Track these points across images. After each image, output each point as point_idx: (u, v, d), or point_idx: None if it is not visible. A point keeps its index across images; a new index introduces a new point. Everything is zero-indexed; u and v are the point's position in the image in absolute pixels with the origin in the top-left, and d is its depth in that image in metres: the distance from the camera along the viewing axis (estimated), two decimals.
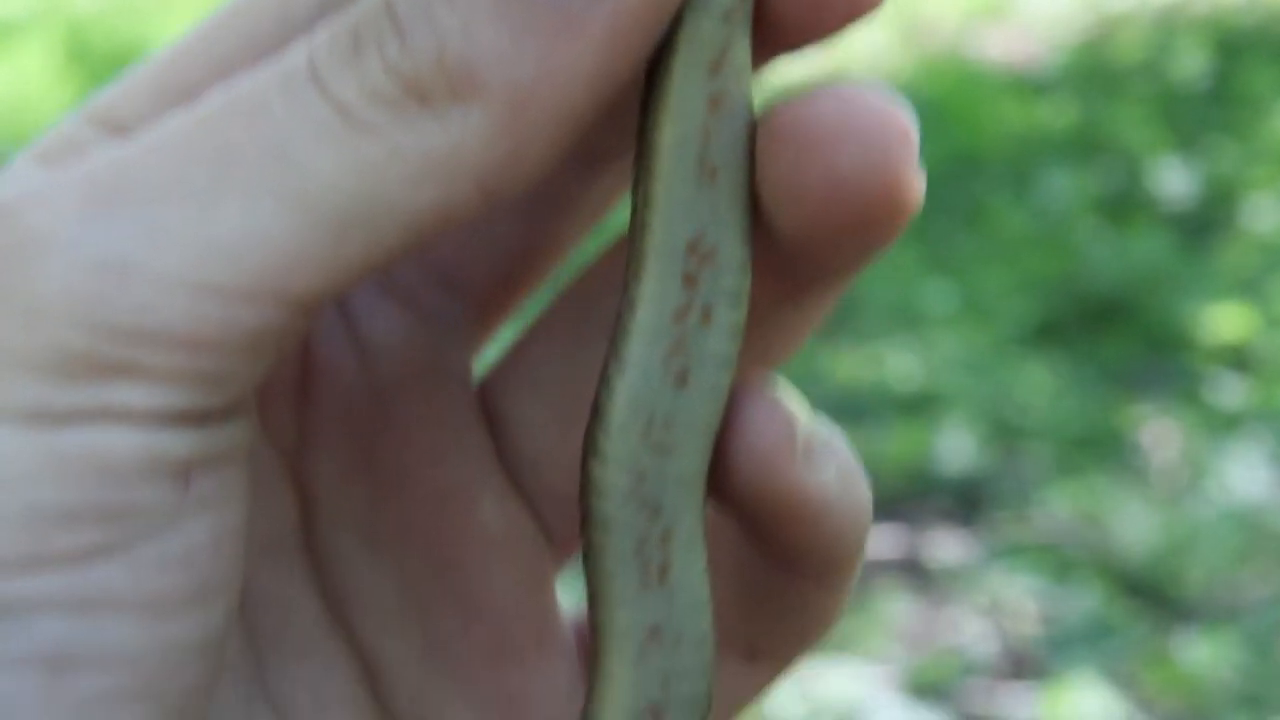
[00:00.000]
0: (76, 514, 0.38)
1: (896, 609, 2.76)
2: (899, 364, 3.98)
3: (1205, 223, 4.53)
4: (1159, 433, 3.53)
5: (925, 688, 2.51)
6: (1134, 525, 3.04)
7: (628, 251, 0.41)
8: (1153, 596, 2.82)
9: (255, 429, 0.42)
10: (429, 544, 0.47)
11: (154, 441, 0.38)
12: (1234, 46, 5.27)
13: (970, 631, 2.74)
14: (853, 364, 3.99)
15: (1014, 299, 4.41)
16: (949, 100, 5.36)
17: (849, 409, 3.71)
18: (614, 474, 0.40)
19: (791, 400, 0.44)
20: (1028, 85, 5.45)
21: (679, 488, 0.41)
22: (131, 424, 0.38)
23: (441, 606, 0.47)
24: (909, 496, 3.30)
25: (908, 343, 4.18)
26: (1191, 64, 5.26)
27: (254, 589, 0.46)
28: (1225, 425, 3.60)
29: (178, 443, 0.39)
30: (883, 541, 3.09)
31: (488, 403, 0.49)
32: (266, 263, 0.38)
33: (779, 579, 0.46)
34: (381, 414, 0.47)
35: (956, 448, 3.46)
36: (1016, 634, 2.72)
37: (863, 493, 0.46)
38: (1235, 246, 4.40)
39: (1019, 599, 2.81)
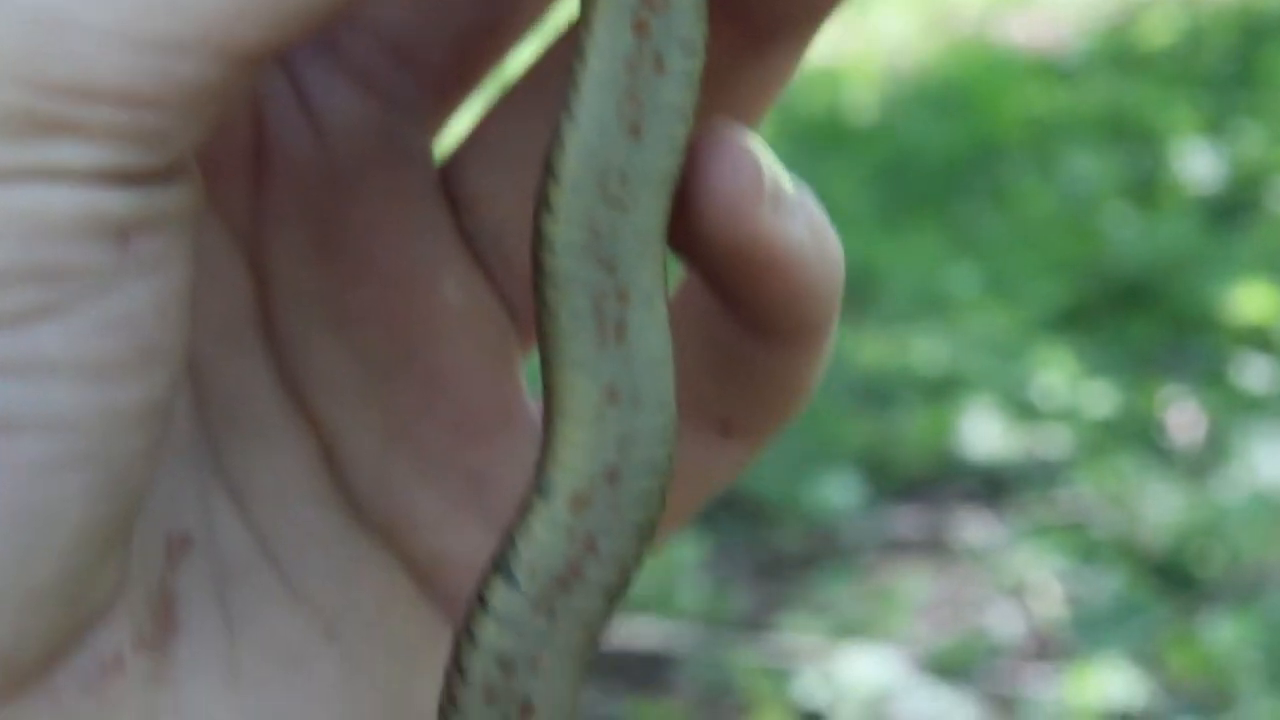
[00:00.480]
0: (13, 274, 0.37)
1: (921, 591, 2.76)
2: (924, 347, 3.98)
3: (1231, 205, 4.52)
4: (1185, 415, 3.52)
5: (950, 669, 2.51)
6: (1159, 507, 3.03)
7: (579, 3, 0.40)
8: (1178, 578, 2.81)
9: (199, 194, 0.41)
10: (390, 324, 0.46)
11: (92, 200, 0.38)
12: (1260, 29, 5.25)
13: (995, 613, 2.74)
14: (877, 347, 3.99)
15: (1039, 282, 4.41)
16: (975, 85, 5.35)
17: (873, 392, 3.71)
18: (567, 228, 0.39)
19: (760, 149, 0.43)
20: (1054, 69, 5.44)
21: (636, 243, 0.39)
22: (69, 182, 0.37)
23: (404, 387, 0.46)
24: (934, 479, 3.30)
25: (932, 326, 4.17)
26: (1218, 47, 5.25)
27: (210, 373, 0.45)
28: (1251, 407, 3.60)
29: (116, 202, 0.38)
30: (907, 523, 3.09)
31: (449, 182, 0.48)
32: (204, 14, 0.37)
33: (751, 345, 0.45)
34: (339, 193, 0.46)
35: (981, 430, 3.46)
36: (1042, 615, 2.72)
37: (834, 248, 0.44)
38: (1262, 229, 4.39)
39: (1044, 580, 2.81)
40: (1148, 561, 2.85)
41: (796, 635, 2.59)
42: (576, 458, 0.39)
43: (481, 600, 0.39)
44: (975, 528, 3.04)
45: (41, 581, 0.37)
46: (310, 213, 0.46)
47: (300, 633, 0.44)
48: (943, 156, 5.21)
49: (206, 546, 0.43)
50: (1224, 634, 2.53)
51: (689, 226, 0.42)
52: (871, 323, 4.27)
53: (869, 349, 3.98)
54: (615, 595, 0.39)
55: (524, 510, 0.39)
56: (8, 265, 0.37)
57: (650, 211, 0.39)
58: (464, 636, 0.39)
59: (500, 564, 0.39)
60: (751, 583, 2.87)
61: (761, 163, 0.42)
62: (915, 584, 2.78)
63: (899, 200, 5.33)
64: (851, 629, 2.60)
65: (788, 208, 0.43)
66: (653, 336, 0.39)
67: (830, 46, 5.48)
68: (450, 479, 0.46)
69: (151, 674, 0.40)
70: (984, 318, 4.22)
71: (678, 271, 0.44)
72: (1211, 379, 3.73)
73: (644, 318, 0.39)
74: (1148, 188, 4.72)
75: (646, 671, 2.53)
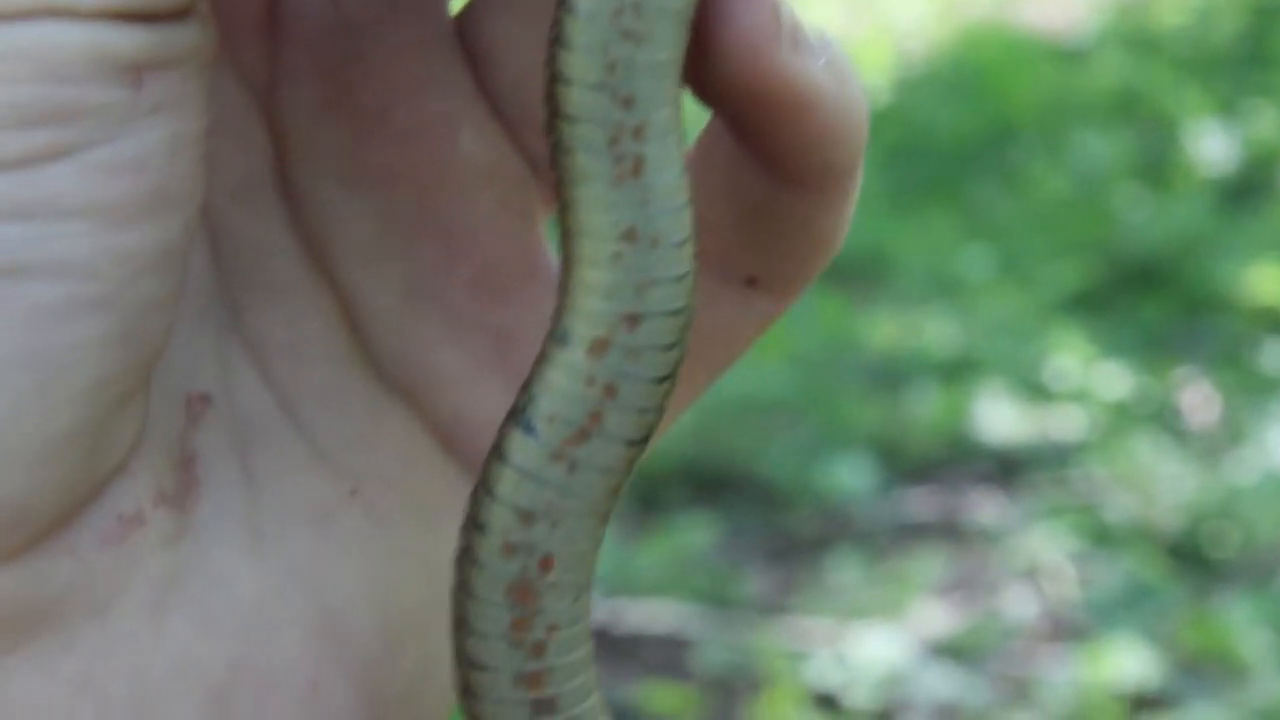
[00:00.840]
0: (24, 114, 0.37)
1: (935, 573, 2.76)
2: (936, 329, 3.97)
3: (1244, 186, 4.51)
4: (1198, 396, 3.52)
5: (964, 651, 2.51)
6: (1173, 488, 3.03)
7: None
8: (1191, 559, 2.81)
9: (211, 38, 0.40)
10: (409, 180, 0.46)
11: (103, 38, 0.37)
12: (1272, 10, 5.24)
13: (1009, 595, 2.74)
14: (890, 330, 3.99)
15: (1052, 264, 4.40)
16: (987, 67, 5.34)
17: (886, 375, 3.71)
18: (582, 61, 0.38)
19: None
20: (1065, 51, 5.43)
21: (652, 78, 0.38)
22: (79, 20, 0.37)
23: (424, 243, 0.46)
24: (947, 461, 3.30)
25: (945, 308, 4.17)
26: (1229, 28, 5.24)
27: (228, 233, 0.45)
28: (1265, 388, 3.59)
29: (127, 41, 0.38)
30: (920, 505, 3.09)
31: (465, 35, 0.47)
32: None
33: (774, 194, 0.44)
34: (355, 48, 0.46)
35: (994, 413, 3.46)
36: (1055, 596, 2.72)
37: (856, 90, 0.43)
38: (1275, 209, 4.38)
39: (1058, 562, 2.81)
40: (1162, 542, 2.85)
41: (810, 618, 2.59)
42: (594, 302, 0.38)
43: (500, 452, 0.38)
44: (988, 510, 3.04)
45: (58, 430, 0.36)
46: (325, 69, 0.46)
47: (322, 492, 0.43)
48: (955, 139, 5.21)
49: (226, 406, 0.43)
50: (1238, 614, 2.52)
51: (707, 67, 0.41)
52: (884, 305, 4.27)
53: (881, 331, 3.98)
54: (636, 445, 0.38)
55: (542, 360, 0.38)
56: (18, 105, 0.37)
57: (666, 45, 0.39)
58: (482, 489, 0.38)
59: (518, 415, 0.38)
60: (765, 566, 2.88)
61: (779, 1, 0.42)
62: (928, 566, 2.78)
63: (911, 183, 5.32)
64: (865, 611, 2.60)
65: (807, 47, 0.42)
66: (670, 174, 0.38)
67: (842, 29, 5.47)
68: (472, 337, 0.46)
69: (172, 531, 0.40)
70: (996, 300, 4.22)
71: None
72: (1225, 360, 3.73)
73: (661, 154, 0.38)
74: (1160, 169, 4.71)
75: (660, 654, 2.54)
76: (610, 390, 0.38)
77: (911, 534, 2.99)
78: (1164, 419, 3.42)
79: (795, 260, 0.45)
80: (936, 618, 2.61)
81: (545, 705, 0.38)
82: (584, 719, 0.39)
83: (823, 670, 2.43)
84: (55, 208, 0.37)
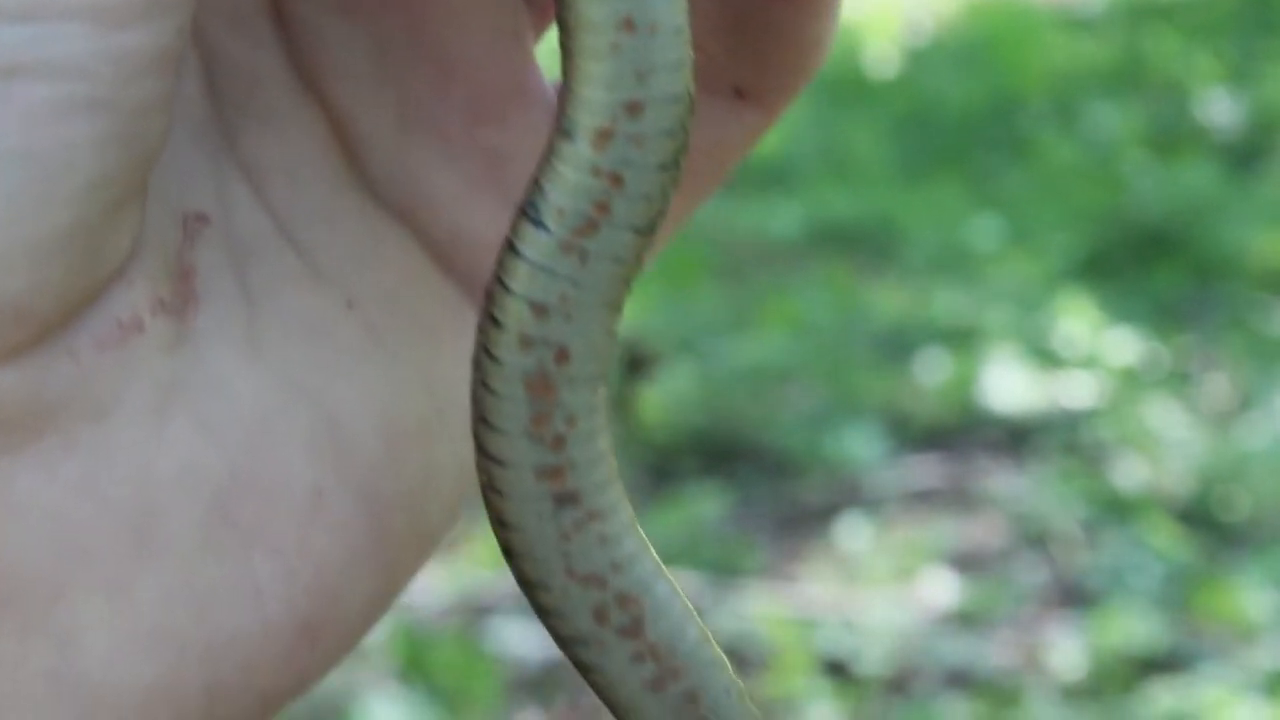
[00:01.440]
0: None
1: (945, 540, 2.76)
2: (945, 299, 3.97)
3: (1252, 151, 4.50)
4: (1208, 362, 3.52)
5: (974, 618, 2.51)
6: (1183, 453, 3.03)
7: None
8: (1202, 524, 2.81)
9: None
10: (401, 6, 0.45)
11: None
12: None
13: (1019, 561, 2.74)
14: (898, 299, 3.99)
15: (1061, 232, 4.40)
16: (995, 37, 5.34)
17: (895, 344, 3.71)
18: None
19: None
20: (1073, 20, 5.42)
21: None
22: None
23: (416, 67, 0.46)
24: (956, 430, 3.30)
25: (954, 278, 4.17)
26: None
27: (221, 59, 0.45)
28: (1275, 353, 3.59)
29: None
30: (930, 473, 3.09)
31: None
32: None
33: (761, 2, 0.44)
34: None
35: (1004, 381, 3.46)
36: (1065, 562, 2.72)
37: None
38: None
39: (1068, 528, 2.81)
40: (1171, 508, 2.85)
41: (819, 586, 2.59)
42: (596, 92, 0.38)
43: (512, 247, 0.39)
44: (998, 477, 3.04)
45: (57, 228, 0.37)
46: None
47: (320, 307, 0.44)
48: (963, 109, 5.20)
49: (223, 225, 0.43)
50: (1247, 578, 2.53)
51: None
52: (893, 275, 4.26)
53: (890, 301, 3.98)
54: (644, 234, 0.38)
55: (548, 154, 0.39)
56: None
57: None
58: (496, 285, 0.39)
59: (528, 209, 0.39)
60: (774, 535, 2.88)
61: None
62: (938, 534, 2.79)
63: (920, 153, 5.31)
64: (875, 579, 2.60)
65: None
66: None
67: (851, 1, 5.45)
68: (467, 158, 0.46)
69: (171, 339, 0.40)
70: (1006, 269, 4.22)
71: None
72: (1234, 326, 3.73)
73: None
74: (1168, 136, 4.71)
75: None
76: (616, 179, 0.38)
77: (921, 502, 2.99)
78: (1174, 385, 3.42)
79: (782, 70, 0.45)
80: (946, 585, 2.62)
81: (567, 498, 0.39)
82: (606, 512, 0.40)
83: (832, 638, 2.43)
84: (52, 9, 0.37)
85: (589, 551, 0.40)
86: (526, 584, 0.40)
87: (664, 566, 0.41)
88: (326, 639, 0.42)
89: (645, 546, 0.41)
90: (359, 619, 0.43)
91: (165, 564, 0.39)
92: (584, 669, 0.40)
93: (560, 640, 0.40)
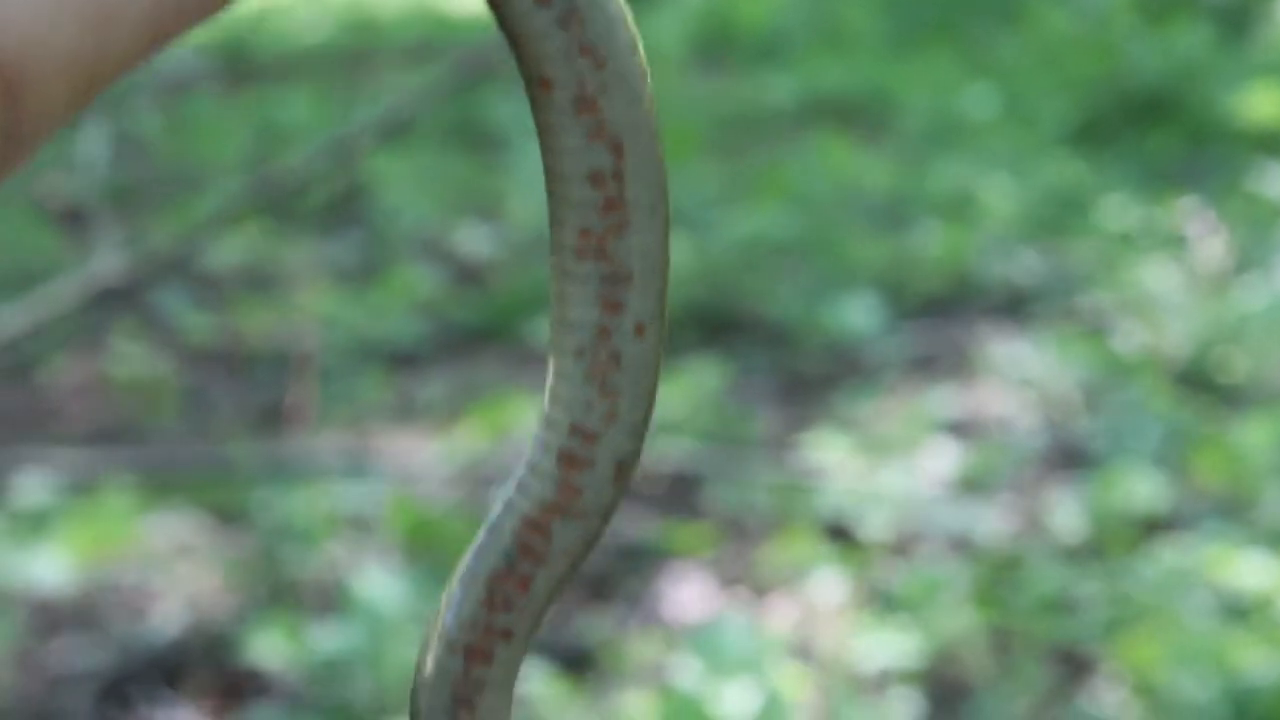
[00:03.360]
0: None
1: (945, 406, 2.77)
2: (940, 168, 3.97)
3: (1244, 14, 4.49)
4: (1204, 224, 3.52)
5: (977, 480, 2.53)
6: (1181, 316, 3.04)
7: None
8: (1200, 385, 2.83)
9: None
10: None
11: None
12: None
13: (1020, 425, 2.75)
14: (893, 170, 3.99)
15: (1056, 99, 4.39)
16: None
17: (891, 215, 3.71)
18: None
19: None
20: None
21: None
22: None
23: None
24: (954, 298, 3.31)
25: (949, 148, 4.16)
26: None
27: None
28: (1270, 216, 3.59)
29: None
30: (929, 340, 3.10)
31: None
32: None
33: None
34: None
35: (1000, 247, 3.46)
36: (1065, 426, 2.73)
37: None
38: (1275, 35, 4.36)
39: (1068, 391, 2.82)
40: (1170, 370, 2.86)
41: (822, 453, 2.60)
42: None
43: None
44: (997, 343, 3.05)
45: None
46: None
47: None
48: None
49: None
50: (1247, 438, 2.54)
51: None
52: (888, 146, 4.26)
53: (885, 172, 3.98)
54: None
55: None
56: None
57: None
58: None
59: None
60: (775, 404, 2.89)
61: None
62: (938, 400, 2.80)
63: (912, 24, 5.30)
64: (876, 446, 2.61)
65: None
66: None
67: None
68: None
69: None
70: (1001, 137, 4.21)
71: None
72: (1229, 188, 3.73)
73: None
74: (1161, 1, 4.69)
75: (675, 494, 2.55)
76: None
77: (920, 369, 3.00)
78: (1170, 248, 3.42)
79: None
80: (947, 450, 2.63)
81: None
82: None
83: (836, 505, 2.45)
84: None
85: None
86: None
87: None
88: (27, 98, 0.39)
89: None
90: (61, 77, 0.40)
91: None
92: None
93: None
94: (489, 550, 0.41)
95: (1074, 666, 2.12)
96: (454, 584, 0.42)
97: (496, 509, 0.41)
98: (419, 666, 0.42)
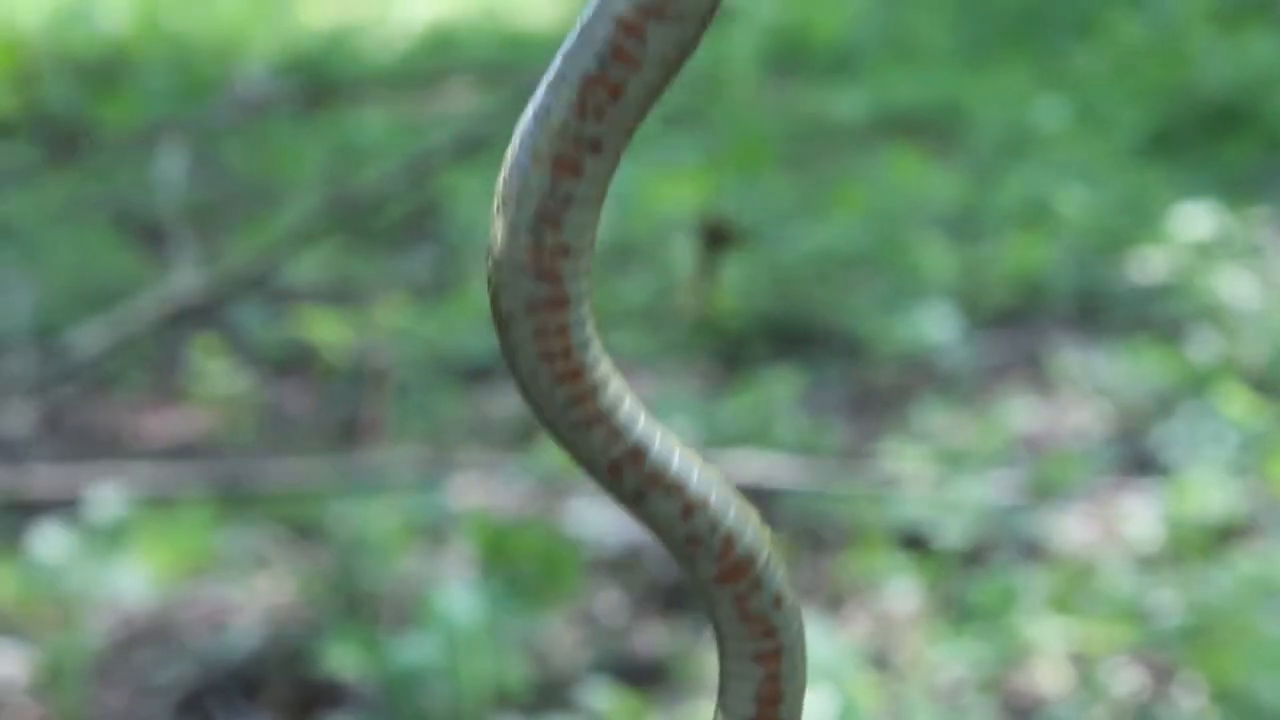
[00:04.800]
0: None
1: (1020, 415, 2.77)
2: (1014, 179, 3.96)
3: None
4: (1279, 232, 3.50)
5: (1051, 489, 2.52)
6: (1257, 324, 3.02)
7: None
8: (1276, 392, 2.81)
9: None
10: None
11: None
12: None
13: (1095, 433, 2.74)
14: (964, 181, 3.98)
15: (1129, 110, 4.37)
16: None
17: (964, 226, 3.70)
18: None
19: None
20: None
21: None
22: None
23: None
24: (1027, 308, 3.30)
25: (1022, 159, 4.15)
26: None
27: None
28: None
29: None
30: (1003, 350, 3.10)
31: None
32: None
33: None
34: None
35: (1074, 257, 3.45)
36: (1140, 433, 2.72)
37: None
38: None
39: (1142, 399, 2.81)
40: (1246, 378, 2.85)
41: (897, 463, 2.60)
42: None
43: None
44: (1071, 352, 3.04)
45: None
46: None
47: None
48: None
49: None
50: None
51: None
52: (959, 158, 4.25)
53: (956, 183, 3.97)
54: None
55: None
56: None
57: None
58: None
59: None
60: (849, 416, 2.89)
61: None
62: (1013, 409, 2.79)
63: (983, 37, 5.28)
64: (951, 456, 2.61)
65: None
66: None
67: None
68: None
69: None
70: (1073, 147, 4.20)
71: None
72: None
73: None
74: (1237, 9, 4.67)
75: (750, 505, 2.55)
76: None
77: (995, 378, 2.99)
78: (1245, 256, 3.41)
79: None
80: (1022, 458, 2.63)
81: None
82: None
83: (911, 514, 2.44)
84: None
85: None
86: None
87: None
88: None
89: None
90: None
91: None
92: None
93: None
94: (580, 53, 0.39)
95: (1151, 674, 2.12)
96: (541, 91, 0.40)
97: (589, 10, 0.40)
98: (501, 186, 0.40)
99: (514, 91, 4.00)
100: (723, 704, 0.46)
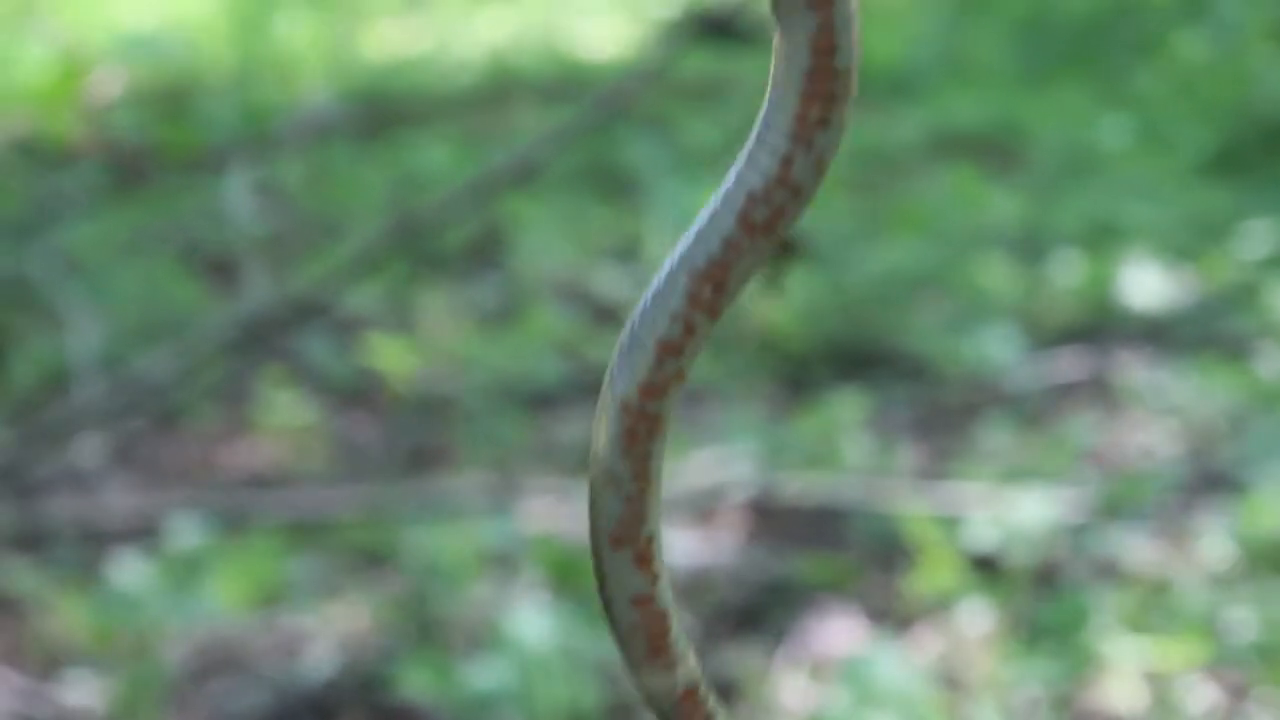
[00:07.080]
0: None
1: (1087, 434, 2.76)
2: (1077, 199, 3.96)
3: None
4: None
5: (1121, 508, 2.51)
6: None
7: None
8: None
9: None
10: None
11: None
12: None
13: (1163, 451, 2.74)
14: (1026, 201, 3.98)
15: (1192, 128, 4.37)
16: None
17: (1027, 246, 3.70)
18: None
19: None
20: None
21: None
22: None
23: None
24: (1093, 328, 3.29)
25: (1083, 179, 4.15)
26: None
27: None
28: None
29: None
30: (1070, 369, 3.09)
31: None
32: None
33: None
34: None
35: (1139, 275, 3.45)
36: (1209, 451, 2.72)
37: None
38: None
39: (1210, 417, 2.80)
40: None
41: (964, 483, 2.60)
42: None
43: None
44: (1139, 369, 3.04)
45: None
46: None
47: None
48: (1086, 9, 5.16)
49: None
50: None
51: None
52: (1021, 178, 4.25)
53: (1019, 203, 3.97)
54: None
55: None
56: None
57: None
58: None
59: None
60: (915, 437, 2.89)
61: None
62: (1081, 427, 2.79)
63: (1044, 58, 5.28)
64: (1019, 474, 2.61)
65: None
66: None
67: None
68: None
69: None
70: (1136, 167, 4.19)
71: None
72: None
73: None
74: None
75: (817, 527, 2.56)
76: None
77: (1062, 397, 2.99)
78: None
79: None
80: (1092, 476, 2.62)
81: None
82: None
83: (980, 534, 2.44)
84: None
85: None
86: None
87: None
88: None
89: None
90: None
91: None
92: None
93: None
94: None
95: (1226, 691, 2.11)
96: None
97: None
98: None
99: (573, 115, 4.01)
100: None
